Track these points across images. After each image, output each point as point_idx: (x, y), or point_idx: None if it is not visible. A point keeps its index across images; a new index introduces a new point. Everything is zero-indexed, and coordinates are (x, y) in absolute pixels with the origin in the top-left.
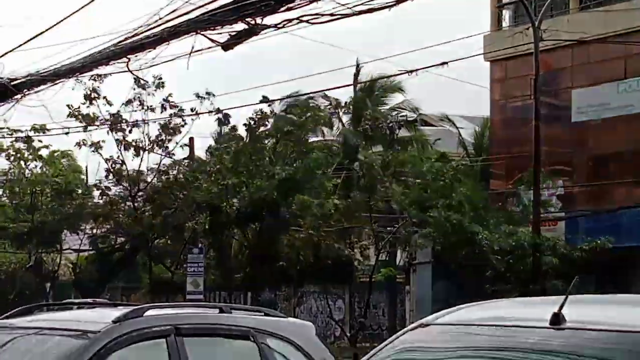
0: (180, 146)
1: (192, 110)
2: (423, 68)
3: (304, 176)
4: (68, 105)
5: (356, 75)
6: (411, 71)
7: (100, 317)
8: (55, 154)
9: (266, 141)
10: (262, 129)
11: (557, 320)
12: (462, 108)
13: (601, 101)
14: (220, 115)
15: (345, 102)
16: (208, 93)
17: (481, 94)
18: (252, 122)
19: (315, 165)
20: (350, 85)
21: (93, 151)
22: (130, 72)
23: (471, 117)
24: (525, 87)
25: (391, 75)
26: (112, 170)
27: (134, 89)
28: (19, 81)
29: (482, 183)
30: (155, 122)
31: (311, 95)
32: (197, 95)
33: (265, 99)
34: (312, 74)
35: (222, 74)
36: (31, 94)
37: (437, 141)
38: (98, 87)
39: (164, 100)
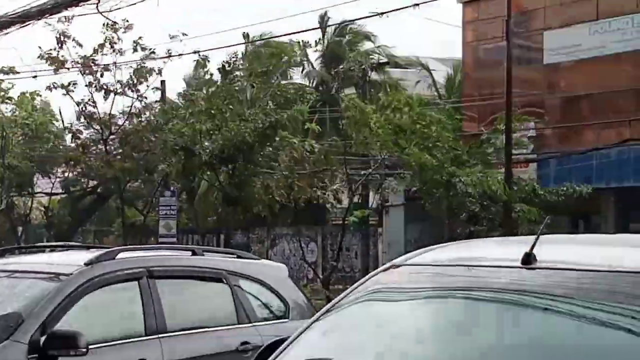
0: (152, 89)
1: (168, 52)
2: (394, 10)
3: (289, 124)
4: (39, 47)
5: (322, 17)
6: (382, 13)
7: (72, 260)
8: (26, 94)
9: (239, 83)
10: (236, 73)
11: (528, 259)
12: (435, 51)
13: (573, 42)
14: (199, 57)
15: (315, 41)
16: (183, 34)
17: (453, 37)
18: (227, 65)
19: (299, 114)
20: (318, 28)
21: (64, 94)
22: (100, 13)
23: (443, 60)
24: (497, 29)
25: (362, 18)
26: (83, 112)
27: (104, 32)
28: None
29: (455, 122)
30: (127, 64)
31: (280, 36)
32: (170, 36)
33: (245, 37)
34: (283, 17)
35: (195, 18)
36: (0, 36)
37: (411, 83)
38: (66, 29)
39: (134, 42)
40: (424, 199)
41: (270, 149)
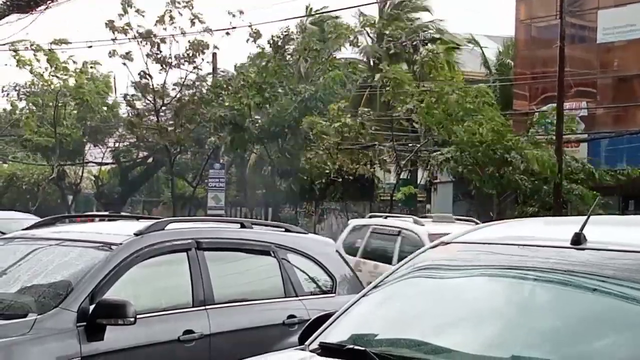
0: (207, 62)
1: (229, 26)
2: None
3: (324, 94)
4: (108, 22)
5: None
6: None
7: (122, 230)
8: (84, 65)
9: (291, 57)
10: (287, 46)
11: (578, 240)
12: (487, 28)
13: (627, 22)
14: (251, 32)
15: (374, 20)
16: (240, 11)
17: (506, 14)
18: (278, 40)
19: (334, 83)
20: (375, 2)
21: (123, 63)
22: None
23: (495, 37)
24: (550, 7)
25: None
26: (138, 82)
27: (167, 6)
28: None
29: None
30: (184, 37)
31: (338, 11)
32: (229, 12)
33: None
34: None
35: None
36: (55, 6)
37: (462, 60)
38: None
39: (193, 15)
40: (473, 178)
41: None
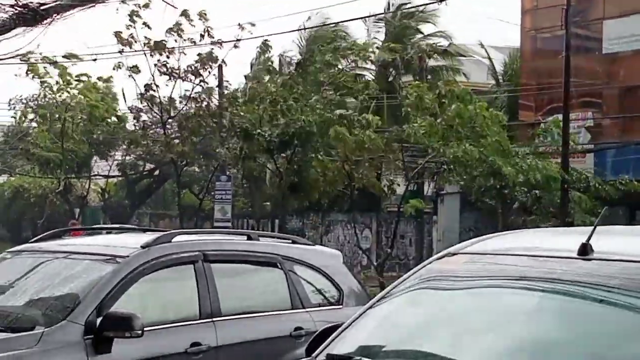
0: (213, 75)
1: (236, 39)
2: None
3: (339, 119)
4: (116, 33)
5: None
6: (441, 0)
7: (129, 242)
8: (98, 80)
9: (303, 71)
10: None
11: (585, 250)
12: (493, 39)
13: (632, 32)
14: (260, 45)
15: (378, 46)
16: (251, 24)
17: (511, 25)
18: (285, 58)
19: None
20: (382, 14)
21: (130, 75)
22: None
23: (501, 48)
24: (556, 17)
25: (421, 5)
26: (145, 94)
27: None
28: (48, 5)
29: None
30: (193, 46)
31: (345, 22)
32: (240, 25)
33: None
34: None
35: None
36: (60, 19)
37: (469, 70)
38: (138, 10)
39: (204, 29)
40: (473, 193)
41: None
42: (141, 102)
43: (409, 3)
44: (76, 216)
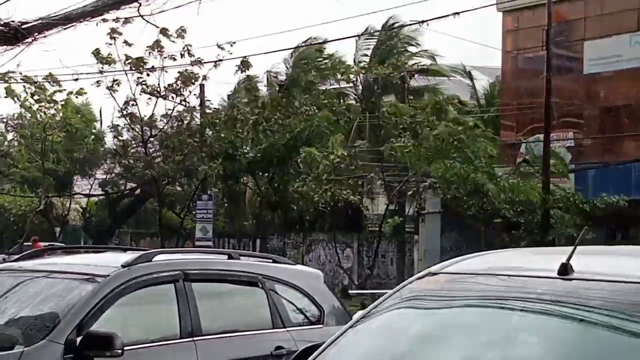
0: (194, 94)
1: (217, 58)
2: (435, 18)
3: (312, 134)
4: (94, 51)
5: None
6: (423, 21)
7: (109, 261)
8: (72, 94)
9: (283, 92)
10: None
11: (565, 270)
12: (475, 60)
13: (613, 53)
14: (239, 64)
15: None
16: (231, 43)
17: (493, 46)
18: (272, 76)
19: (326, 120)
20: (361, 35)
21: (108, 93)
22: (141, 16)
23: (483, 68)
24: (537, 38)
25: (403, 25)
26: (124, 110)
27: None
28: (29, 24)
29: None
30: (174, 65)
31: (330, 42)
32: (218, 45)
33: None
34: (326, 22)
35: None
36: (42, 38)
37: (452, 91)
38: (117, 27)
39: (184, 47)
40: (458, 207)
41: (299, 159)
42: (122, 118)
43: (396, 23)
44: (57, 235)
